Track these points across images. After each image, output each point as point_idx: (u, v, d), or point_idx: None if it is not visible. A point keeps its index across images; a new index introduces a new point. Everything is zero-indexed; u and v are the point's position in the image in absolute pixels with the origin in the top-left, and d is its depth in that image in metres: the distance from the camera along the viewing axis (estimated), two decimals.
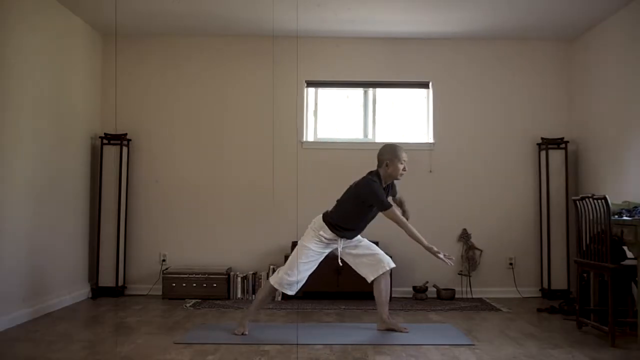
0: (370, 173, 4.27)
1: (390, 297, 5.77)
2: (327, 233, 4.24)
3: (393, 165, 4.21)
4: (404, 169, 4.23)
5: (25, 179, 4.82)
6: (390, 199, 4.36)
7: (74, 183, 5.68)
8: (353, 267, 4.40)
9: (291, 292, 4.28)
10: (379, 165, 4.28)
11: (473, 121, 6.32)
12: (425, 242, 4.13)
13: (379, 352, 3.85)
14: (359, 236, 4.42)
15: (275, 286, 4.27)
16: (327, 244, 4.28)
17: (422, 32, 6.14)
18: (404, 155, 4.23)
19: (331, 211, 4.30)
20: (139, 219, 6.21)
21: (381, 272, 4.33)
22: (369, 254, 4.36)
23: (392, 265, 4.39)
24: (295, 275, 4.20)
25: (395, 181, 4.37)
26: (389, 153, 4.23)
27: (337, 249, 4.31)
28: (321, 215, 4.31)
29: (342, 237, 4.27)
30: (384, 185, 4.25)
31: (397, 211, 4.25)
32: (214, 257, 6.17)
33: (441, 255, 4.11)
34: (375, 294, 4.42)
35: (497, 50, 6.35)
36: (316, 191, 5.88)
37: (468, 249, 6.17)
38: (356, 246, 4.37)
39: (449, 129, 6.31)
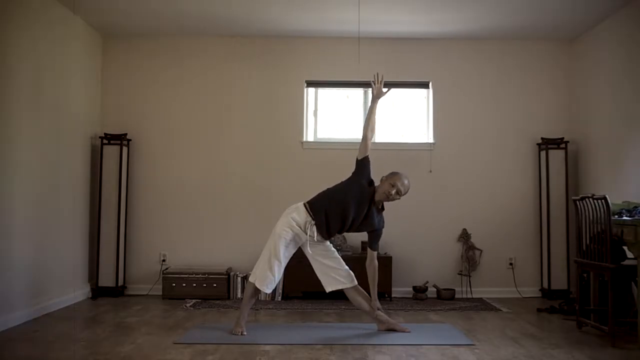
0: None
1: (390, 297, 5.82)
2: (300, 215, 4.30)
3: (384, 184, 4.28)
4: (390, 193, 4.24)
5: (25, 179, 4.81)
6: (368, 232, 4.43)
7: (74, 183, 5.68)
8: (316, 272, 4.43)
9: (269, 291, 4.33)
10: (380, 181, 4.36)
11: (473, 121, 6.32)
12: None
13: (379, 352, 3.85)
14: (330, 245, 4.46)
15: (257, 286, 4.29)
16: (296, 234, 4.29)
17: (422, 32, 6.14)
18: (398, 183, 4.24)
19: (316, 195, 4.42)
20: (139, 219, 6.21)
21: (340, 287, 4.38)
22: (336, 267, 4.39)
23: (354, 283, 4.40)
24: (274, 271, 4.25)
25: (377, 229, 4.38)
26: (389, 176, 4.31)
27: (304, 244, 4.34)
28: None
29: (313, 222, 4.27)
30: (374, 199, 4.28)
31: (373, 261, 4.37)
32: (214, 257, 6.17)
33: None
34: (355, 303, 4.44)
35: (497, 50, 6.35)
36: (316, 191, 5.81)
37: (468, 249, 6.16)
38: (326, 256, 4.39)
39: (449, 129, 6.31)
